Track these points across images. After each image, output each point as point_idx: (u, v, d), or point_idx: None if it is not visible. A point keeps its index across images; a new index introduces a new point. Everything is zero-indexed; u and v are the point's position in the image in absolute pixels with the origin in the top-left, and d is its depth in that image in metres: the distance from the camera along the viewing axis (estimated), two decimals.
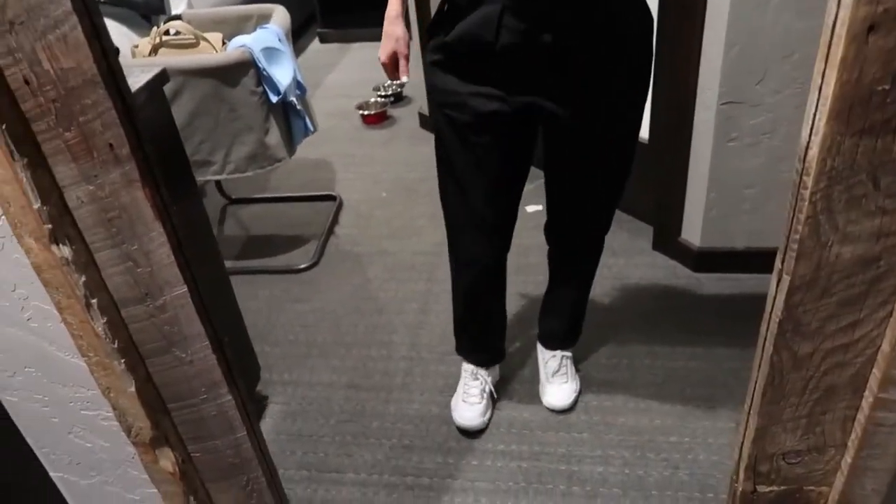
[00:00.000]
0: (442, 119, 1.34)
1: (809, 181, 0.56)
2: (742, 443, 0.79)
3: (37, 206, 0.67)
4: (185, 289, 0.75)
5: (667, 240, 2.15)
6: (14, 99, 0.63)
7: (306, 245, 2.42)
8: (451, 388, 1.83)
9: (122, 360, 0.80)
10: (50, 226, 0.69)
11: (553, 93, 1.25)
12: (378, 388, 1.86)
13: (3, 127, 0.63)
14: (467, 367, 1.77)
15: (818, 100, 0.53)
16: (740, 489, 0.81)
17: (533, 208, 2.43)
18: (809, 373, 0.70)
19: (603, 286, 2.09)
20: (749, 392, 0.76)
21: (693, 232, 2.06)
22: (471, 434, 1.71)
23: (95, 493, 1.07)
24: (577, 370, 1.82)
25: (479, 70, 1.24)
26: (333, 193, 2.66)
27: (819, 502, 0.80)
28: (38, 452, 1.03)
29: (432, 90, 1.34)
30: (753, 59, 1.68)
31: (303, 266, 2.31)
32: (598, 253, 1.64)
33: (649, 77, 1.30)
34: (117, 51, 0.75)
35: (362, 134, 3.13)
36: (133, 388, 0.82)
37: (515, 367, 1.87)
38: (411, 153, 2.93)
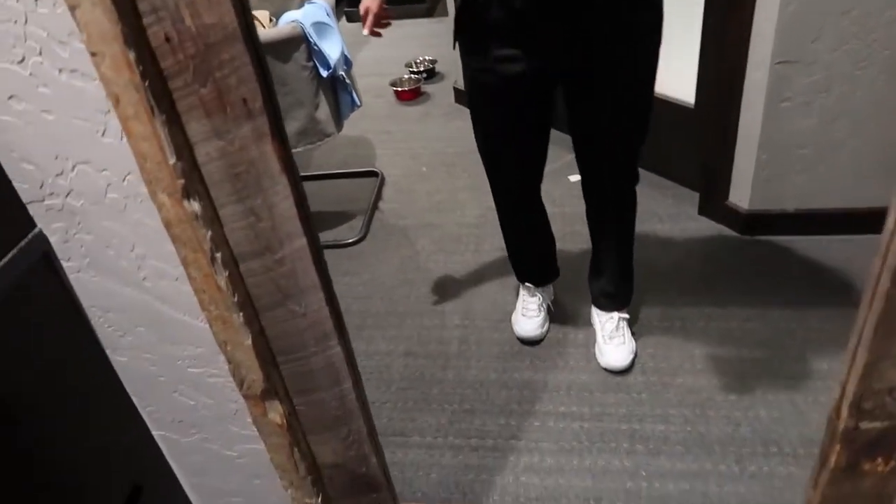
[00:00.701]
0: (471, 80, 1.51)
1: None
2: (846, 380, 0.81)
3: (172, 161, 0.70)
4: (304, 241, 0.78)
5: (714, 204, 2.16)
6: (154, 56, 0.66)
7: (352, 220, 2.46)
8: (508, 354, 1.87)
9: (241, 314, 0.83)
10: (183, 181, 0.72)
11: (565, 51, 1.36)
12: (435, 356, 1.90)
13: (147, 84, 0.65)
14: (525, 289, 1.89)
15: None
16: (842, 426, 0.83)
17: (576, 178, 2.44)
18: None
19: (650, 251, 2.11)
20: (856, 329, 0.78)
21: (741, 195, 2.06)
22: (530, 344, 1.87)
23: (194, 449, 1.11)
24: (633, 332, 1.84)
25: (501, 35, 1.36)
26: (375, 169, 2.69)
27: None
28: (142, 411, 1.07)
29: (463, 54, 1.48)
30: (810, 16, 1.67)
31: (351, 240, 2.34)
32: (631, 206, 1.69)
33: (657, 36, 1.38)
34: None
35: (398, 110, 3.15)
36: (249, 341, 0.85)
37: (569, 332, 1.90)
38: (447, 128, 2.95)
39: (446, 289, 2.12)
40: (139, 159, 0.71)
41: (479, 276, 2.14)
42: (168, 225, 0.76)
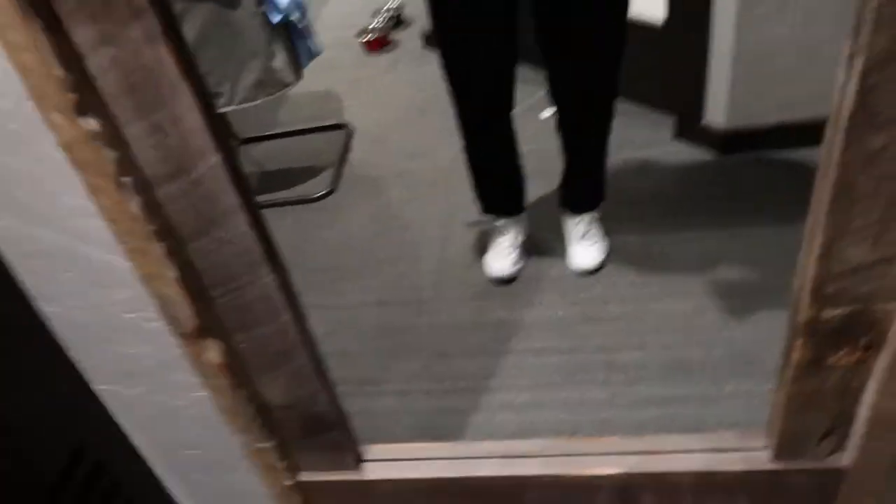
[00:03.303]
0: None
1: None
2: (806, 265, 0.76)
3: (59, 74, 0.64)
4: (218, 157, 0.73)
5: (690, 126, 2.10)
6: None
7: (322, 174, 2.39)
8: (482, 295, 1.83)
9: (162, 244, 0.78)
10: (75, 95, 0.66)
11: None
12: (408, 303, 1.86)
13: None
14: (495, 226, 1.84)
15: None
16: (804, 317, 0.78)
17: (546, 115, 2.37)
18: (881, 170, 0.65)
19: (626, 179, 2.05)
20: (813, 207, 0.72)
21: (718, 113, 2.00)
22: (504, 283, 1.82)
23: (141, 402, 1.06)
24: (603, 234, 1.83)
25: None
26: (343, 122, 2.62)
27: (884, 322, 0.78)
28: (81, 365, 1.03)
29: None
30: None
31: (321, 193, 2.28)
32: (608, 114, 1.61)
33: None
34: None
35: (365, 61, 3.06)
36: (175, 274, 0.80)
37: (543, 269, 1.85)
38: (417, 75, 2.87)
39: (419, 235, 2.07)
40: (23, 74, 0.65)
41: (453, 220, 2.09)
42: (68, 148, 0.71)
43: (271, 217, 2.45)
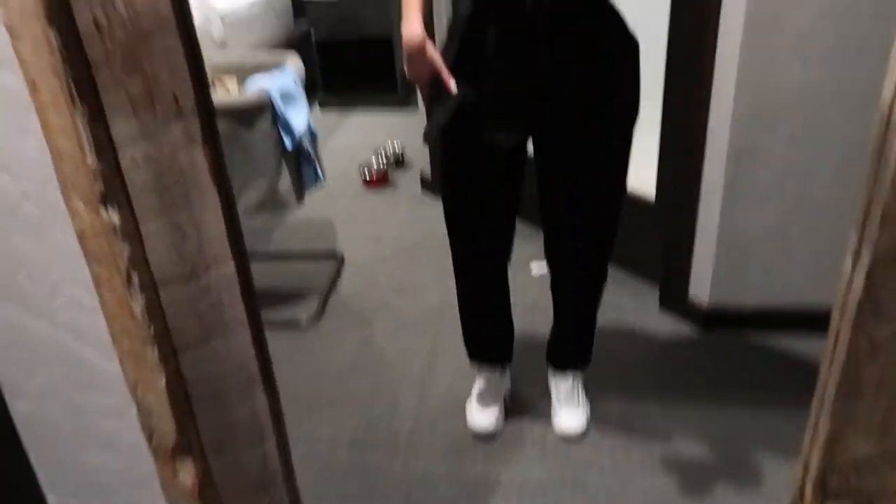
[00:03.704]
0: (452, 145, 1.48)
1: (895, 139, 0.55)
2: (809, 455, 0.74)
3: (91, 162, 0.64)
4: (233, 266, 0.71)
5: (675, 299, 2.13)
6: (80, 42, 0.61)
7: (308, 300, 2.36)
8: (461, 447, 1.76)
9: (156, 349, 0.74)
10: (102, 187, 0.65)
11: (542, 112, 1.39)
12: (383, 445, 1.77)
13: (68, 68, 0.60)
14: (480, 375, 1.81)
15: None
16: None
17: (537, 271, 2.40)
18: (886, 359, 0.65)
19: (611, 346, 2.04)
20: (818, 394, 0.71)
21: (702, 290, 2.04)
22: (485, 437, 1.76)
23: None
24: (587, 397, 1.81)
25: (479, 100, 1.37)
26: (335, 251, 2.63)
27: None
28: (39, 473, 0.94)
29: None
30: (764, 111, 1.71)
31: (305, 320, 2.24)
32: (601, 277, 1.65)
33: (636, 91, 1.42)
34: None
35: (364, 196, 3.13)
36: (163, 383, 0.75)
37: (525, 427, 1.79)
38: (413, 214, 2.93)
39: (401, 374, 2.01)
40: (55, 158, 0.65)
41: (437, 363, 2.05)
42: (82, 237, 0.68)
43: None
